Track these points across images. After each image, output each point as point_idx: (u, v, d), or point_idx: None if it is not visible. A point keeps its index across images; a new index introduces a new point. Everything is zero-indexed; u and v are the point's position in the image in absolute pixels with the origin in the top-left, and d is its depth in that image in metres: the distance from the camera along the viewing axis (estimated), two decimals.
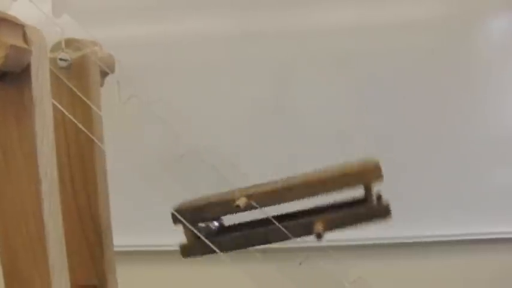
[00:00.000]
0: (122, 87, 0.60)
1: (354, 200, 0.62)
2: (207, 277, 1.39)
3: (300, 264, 0.55)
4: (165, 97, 0.62)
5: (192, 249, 0.59)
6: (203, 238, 0.57)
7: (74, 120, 0.55)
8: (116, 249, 1.38)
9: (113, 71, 0.63)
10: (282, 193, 0.58)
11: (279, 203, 0.58)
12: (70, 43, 0.58)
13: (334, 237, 0.61)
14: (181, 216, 0.59)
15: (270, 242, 0.58)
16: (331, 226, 0.57)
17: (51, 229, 0.46)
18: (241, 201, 0.54)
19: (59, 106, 0.55)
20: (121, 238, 1.36)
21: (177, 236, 1.31)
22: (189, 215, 0.59)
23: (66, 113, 0.55)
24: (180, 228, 0.60)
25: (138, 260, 1.43)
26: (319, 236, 0.56)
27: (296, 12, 1.35)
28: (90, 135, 0.56)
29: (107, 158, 0.63)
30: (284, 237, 0.58)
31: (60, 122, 0.58)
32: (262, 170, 0.67)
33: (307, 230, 0.57)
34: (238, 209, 0.55)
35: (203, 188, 0.64)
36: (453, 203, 1.39)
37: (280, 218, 0.59)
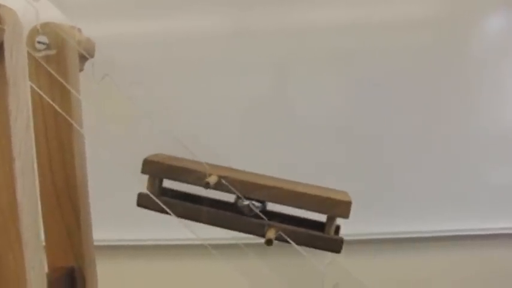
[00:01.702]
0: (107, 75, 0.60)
1: (312, 222, 0.62)
2: (198, 272, 1.40)
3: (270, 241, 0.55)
4: (161, 95, 0.63)
5: (147, 202, 0.59)
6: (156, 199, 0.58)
7: (51, 102, 0.55)
8: (109, 243, 1.39)
9: (92, 55, 0.63)
10: (254, 188, 0.58)
11: (247, 195, 0.58)
12: (48, 26, 0.58)
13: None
14: (150, 167, 0.59)
15: (220, 226, 0.58)
16: (282, 237, 0.58)
17: (25, 208, 0.47)
18: (212, 179, 0.55)
19: (36, 88, 0.55)
20: (115, 233, 1.37)
21: (170, 232, 1.31)
22: (158, 169, 0.59)
23: (44, 95, 0.55)
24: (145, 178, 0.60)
25: (128, 254, 1.44)
26: (268, 242, 0.56)
27: (292, 10, 1.35)
28: (68, 118, 0.57)
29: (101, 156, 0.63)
30: (234, 228, 0.58)
31: (39, 105, 0.58)
32: (258, 167, 0.67)
33: (259, 231, 0.58)
34: (207, 186, 0.55)
35: None
36: (449, 200, 1.40)
37: (236, 207, 0.59)
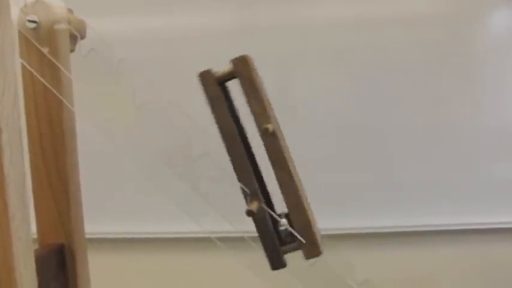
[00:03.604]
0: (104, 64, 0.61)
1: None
2: (203, 265, 1.40)
3: None
4: (164, 91, 0.64)
5: (205, 80, 0.61)
6: None
7: (41, 79, 0.56)
8: (115, 236, 1.39)
9: (83, 35, 0.64)
10: (280, 165, 0.59)
11: (272, 165, 0.59)
12: (38, 5, 0.58)
13: (330, 225, 0.62)
14: (241, 65, 0.61)
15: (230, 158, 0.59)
16: (259, 215, 0.58)
17: (12, 179, 0.47)
18: (270, 128, 0.56)
19: (26, 65, 0.56)
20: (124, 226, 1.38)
21: (175, 225, 1.31)
22: (245, 73, 0.61)
23: (33, 72, 0.56)
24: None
25: (132, 247, 1.44)
26: (248, 213, 0.57)
27: (296, 6, 1.35)
28: (58, 95, 0.57)
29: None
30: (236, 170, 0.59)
31: (30, 83, 0.59)
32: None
33: (244, 195, 0.58)
34: (265, 131, 0.57)
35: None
36: (451, 194, 1.40)
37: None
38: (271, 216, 0.59)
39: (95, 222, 1.30)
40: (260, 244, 0.65)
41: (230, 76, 0.60)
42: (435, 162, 1.40)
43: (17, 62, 0.54)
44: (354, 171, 1.40)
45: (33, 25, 0.58)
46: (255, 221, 0.58)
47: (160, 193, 0.73)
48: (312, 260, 0.58)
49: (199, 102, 0.65)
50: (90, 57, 0.58)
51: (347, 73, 1.38)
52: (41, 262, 0.54)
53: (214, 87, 0.60)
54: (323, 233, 0.66)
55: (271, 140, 0.58)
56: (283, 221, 0.59)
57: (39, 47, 0.57)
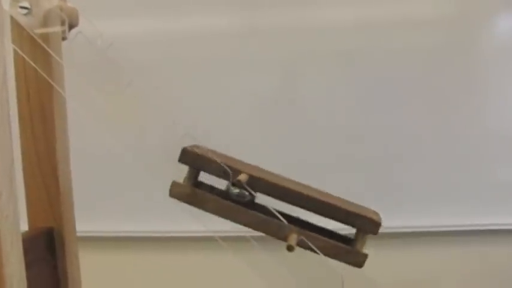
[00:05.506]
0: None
1: (338, 233, 0.63)
2: (206, 264, 1.41)
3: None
4: (170, 93, 0.64)
5: (180, 193, 0.61)
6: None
7: (32, 64, 0.57)
8: (116, 235, 1.40)
9: (75, 24, 0.65)
10: (285, 192, 0.59)
11: (277, 198, 0.59)
12: None
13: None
14: (188, 157, 0.60)
15: (244, 225, 0.59)
16: (304, 244, 0.58)
17: None
18: (243, 178, 0.56)
19: (18, 50, 0.57)
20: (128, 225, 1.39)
21: (174, 224, 1.31)
22: (194, 159, 0.60)
23: (25, 57, 0.57)
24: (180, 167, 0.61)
25: (131, 246, 1.45)
26: (289, 249, 0.57)
27: (301, 9, 1.36)
28: (50, 80, 0.58)
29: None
30: (258, 228, 0.60)
31: (21, 68, 0.60)
32: (265, 164, 0.68)
33: (281, 235, 0.58)
34: (238, 183, 0.56)
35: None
36: (452, 196, 1.40)
37: (262, 208, 0.60)
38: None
39: (95, 221, 1.32)
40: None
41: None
42: (437, 164, 1.40)
43: (8, 48, 0.55)
44: (354, 172, 1.40)
45: (25, 11, 0.59)
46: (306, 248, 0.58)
47: (161, 190, 0.74)
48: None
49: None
50: (80, 43, 0.59)
51: (350, 75, 1.39)
52: (30, 243, 0.55)
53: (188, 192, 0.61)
54: None
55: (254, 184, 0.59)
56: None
57: (31, 33, 0.59)
